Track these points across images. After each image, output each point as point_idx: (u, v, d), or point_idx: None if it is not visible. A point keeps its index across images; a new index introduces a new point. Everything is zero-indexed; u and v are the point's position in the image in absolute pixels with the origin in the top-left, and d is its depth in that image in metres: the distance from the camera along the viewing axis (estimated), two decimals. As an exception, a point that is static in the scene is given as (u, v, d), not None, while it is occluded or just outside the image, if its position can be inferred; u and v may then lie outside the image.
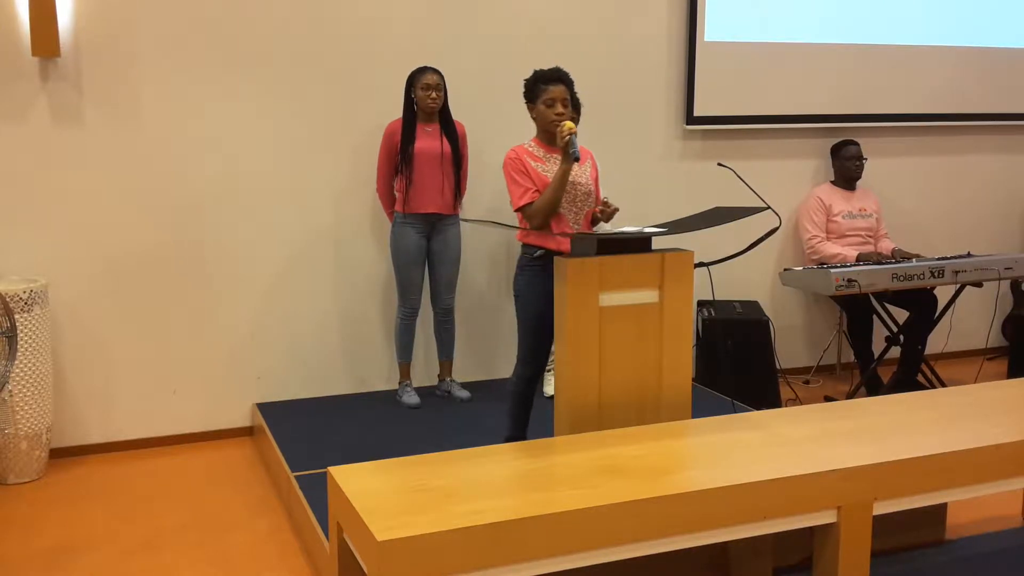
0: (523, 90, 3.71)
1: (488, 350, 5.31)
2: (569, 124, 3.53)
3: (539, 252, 3.64)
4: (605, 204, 3.71)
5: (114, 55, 4.50)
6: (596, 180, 3.81)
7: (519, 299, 3.71)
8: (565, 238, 3.60)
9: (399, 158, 4.64)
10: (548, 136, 3.67)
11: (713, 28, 5.44)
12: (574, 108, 4.61)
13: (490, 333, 5.29)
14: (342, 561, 2.83)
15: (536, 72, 3.67)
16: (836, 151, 5.66)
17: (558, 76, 3.63)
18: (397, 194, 4.72)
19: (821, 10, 5.65)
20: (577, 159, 3.51)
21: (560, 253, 3.60)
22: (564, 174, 3.54)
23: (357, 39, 4.87)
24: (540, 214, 3.58)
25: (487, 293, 5.26)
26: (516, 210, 3.65)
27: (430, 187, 4.66)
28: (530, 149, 3.69)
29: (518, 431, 3.86)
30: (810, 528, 2.98)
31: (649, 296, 3.42)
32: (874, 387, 5.34)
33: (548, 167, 3.66)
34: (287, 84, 4.79)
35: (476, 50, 5.06)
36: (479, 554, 2.47)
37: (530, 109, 3.69)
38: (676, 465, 2.90)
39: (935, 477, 3.02)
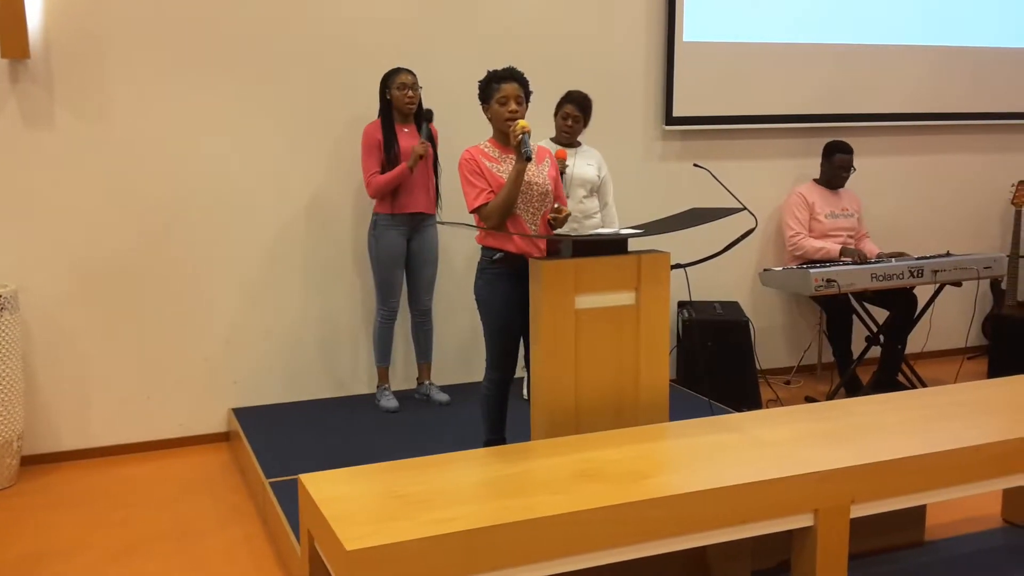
0: (477, 91, 3.68)
1: (467, 353, 5.27)
2: (522, 123, 3.50)
3: (499, 255, 3.62)
4: (557, 211, 3.66)
5: (85, 56, 4.44)
6: (556, 179, 3.77)
7: (480, 303, 3.69)
8: (525, 241, 3.57)
9: (383, 158, 4.59)
10: (503, 136, 3.64)
11: (692, 28, 5.42)
12: (580, 108, 4.57)
13: (469, 336, 5.25)
14: (314, 570, 2.79)
15: (489, 72, 3.65)
16: (827, 153, 5.58)
17: (511, 74, 3.61)
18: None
19: (800, 10, 5.64)
20: (530, 158, 3.47)
21: (520, 256, 3.58)
22: (518, 174, 3.51)
23: (336, 40, 4.82)
24: (495, 215, 3.56)
25: (466, 296, 5.21)
26: (471, 211, 3.62)
27: (417, 187, 4.63)
28: (485, 150, 3.67)
29: (495, 435, 3.84)
30: (788, 531, 2.95)
31: (625, 298, 3.40)
32: (853, 387, 5.33)
33: (503, 167, 3.63)
34: (261, 85, 4.74)
35: (456, 51, 5.03)
36: (452, 562, 2.43)
37: (485, 110, 3.67)
38: (653, 469, 2.88)
39: (913, 479, 3.01)
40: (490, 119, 3.67)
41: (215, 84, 4.66)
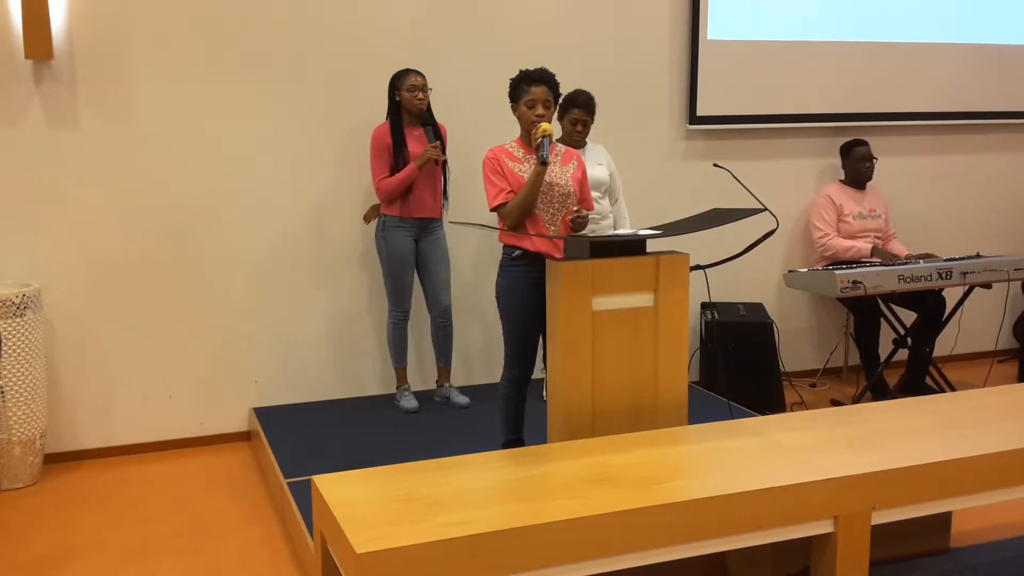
0: (508, 90, 3.67)
1: (486, 355, 5.25)
2: (545, 126, 3.49)
3: (517, 252, 3.62)
4: (577, 212, 3.64)
5: (107, 57, 4.46)
6: (580, 182, 3.74)
7: (500, 300, 3.68)
8: (544, 240, 3.55)
9: (392, 162, 4.57)
10: (529, 137, 3.63)
11: (716, 26, 5.37)
12: (587, 111, 4.49)
13: (488, 337, 5.23)
14: (326, 572, 2.77)
15: (521, 72, 3.64)
16: (845, 151, 5.56)
17: (541, 77, 3.59)
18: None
19: (825, 8, 5.56)
20: (545, 162, 3.45)
21: (538, 254, 3.56)
22: (537, 176, 3.50)
23: (351, 40, 4.82)
24: (513, 214, 3.56)
25: (484, 296, 5.19)
26: (491, 210, 3.62)
27: (426, 191, 4.62)
28: (509, 149, 3.66)
29: (514, 435, 3.81)
30: (808, 537, 2.90)
31: (644, 300, 3.35)
32: (880, 391, 5.25)
33: (526, 168, 3.62)
34: (280, 85, 4.74)
35: (476, 51, 5.00)
36: (462, 567, 2.40)
37: (513, 109, 3.67)
38: (669, 473, 2.84)
39: (936, 486, 2.94)
40: (518, 119, 3.66)
41: (235, 85, 4.67)
